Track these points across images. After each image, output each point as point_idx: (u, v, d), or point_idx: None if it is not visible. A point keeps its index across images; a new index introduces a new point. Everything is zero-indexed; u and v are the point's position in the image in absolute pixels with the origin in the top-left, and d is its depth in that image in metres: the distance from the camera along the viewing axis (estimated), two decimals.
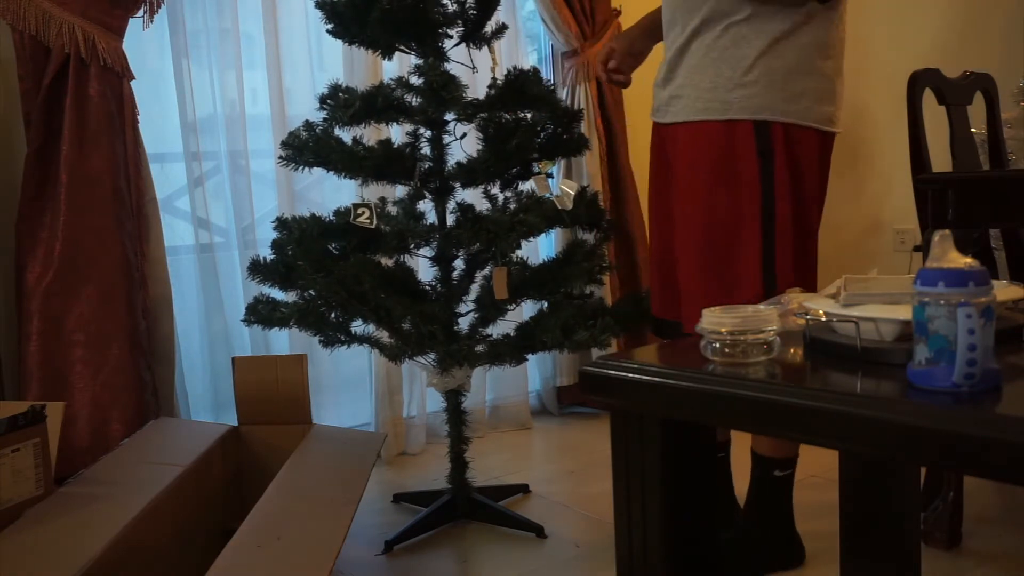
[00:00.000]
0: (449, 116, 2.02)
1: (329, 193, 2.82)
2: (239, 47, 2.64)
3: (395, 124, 2.16)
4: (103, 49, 2.27)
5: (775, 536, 1.84)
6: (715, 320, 0.97)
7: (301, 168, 2.02)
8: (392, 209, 2.08)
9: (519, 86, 1.95)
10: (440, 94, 1.91)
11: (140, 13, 2.39)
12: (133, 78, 2.37)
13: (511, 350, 1.98)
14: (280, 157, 2.02)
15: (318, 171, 2.78)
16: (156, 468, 1.77)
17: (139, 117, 2.39)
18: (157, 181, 2.47)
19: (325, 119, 2.00)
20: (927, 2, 3.04)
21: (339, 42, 2.69)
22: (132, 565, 1.47)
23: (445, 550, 2.05)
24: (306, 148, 1.97)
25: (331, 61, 2.82)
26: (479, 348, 2.00)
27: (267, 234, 2.72)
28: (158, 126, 2.57)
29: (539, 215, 1.90)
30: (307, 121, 2.00)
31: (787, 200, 1.63)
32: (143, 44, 2.52)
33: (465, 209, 2.01)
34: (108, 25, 2.30)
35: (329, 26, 2.04)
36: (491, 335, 2.04)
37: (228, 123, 2.65)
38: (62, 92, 2.25)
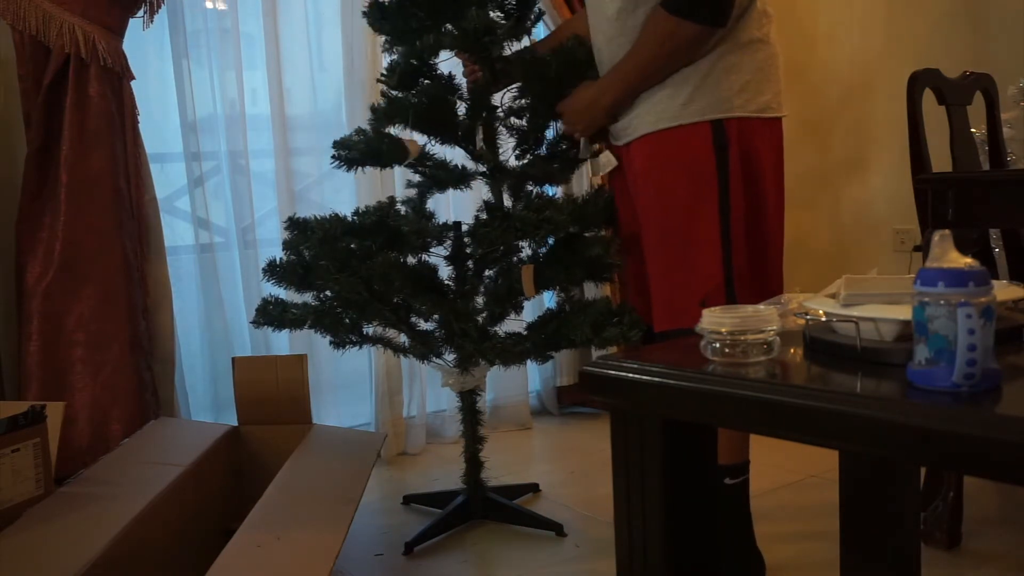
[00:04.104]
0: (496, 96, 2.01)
1: (329, 194, 2.82)
2: (239, 47, 2.64)
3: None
4: (103, 49, 2.27)
5: (730, 548, 1.78)
6: (715, 320, 0.97)
7: (353, 169, 2.01)
8: (401, 208, 2.08)
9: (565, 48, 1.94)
10: (484, 39, 1.89)
11: (140, 13, 2.39)
12: (133, 78, 2.37)
13: (536, 347, 1.97)
14: (332, 157, 2.00)
15: (318, 172, 2.80)
16: (156, 468, 1.77)
17: (139, 117, 2.39)
18: (157, 181, 2.47)
19: (383, 91, 1.99)
20: (927, 2, 3.04)
21: (339, 42, 2.71)
22: (132, 565, 1.47)
23: (447, 545, 2.05)
24: (356, 146, 1.96)
25: (331, 61, 2.82)
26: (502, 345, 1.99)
27: (267, 234, 2.74)
28: (158, 126, 2.58)
29: (565, 213, 1.90)
30: (359, 128, 2.01)
31: (740, 192, 1.67)
32: (143, 44, 2.52)
33: (493, 208, 2.01)
34: (108, 25, 2.30)
35: (375, 27, 2.04)
36: (520, 332, 2.03)
37: (228, 123, 2.65)
38: (62, 92, 2.25)
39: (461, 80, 2.04)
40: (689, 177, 1.68)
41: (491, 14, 2.00)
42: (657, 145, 1.72)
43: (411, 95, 1.94)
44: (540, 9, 2.11)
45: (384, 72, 1.99)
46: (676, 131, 1.69)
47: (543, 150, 2.08)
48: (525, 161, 2.07)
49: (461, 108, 2.02)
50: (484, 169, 2.03)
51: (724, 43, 1.67)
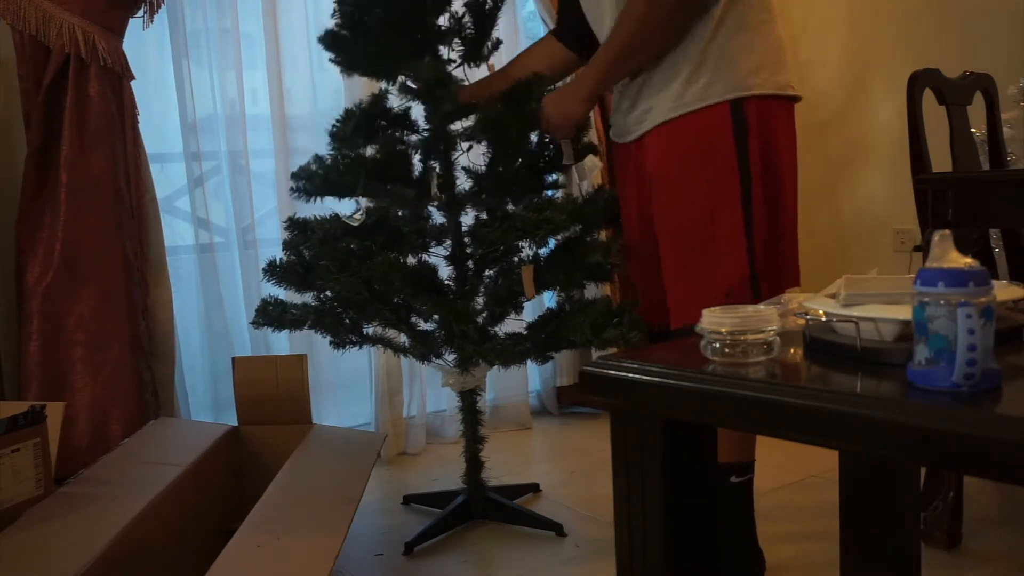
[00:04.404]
0: (454, 127, 2.00)
1: None
2: (239, 47, 2.64)
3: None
4: (103, 49, 2.27)
5: (732, 546, 1.77)
6: (715, 320, 0.97)
7: (312, 199, 2.00)
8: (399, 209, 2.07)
9: (521, 91, 1.94)
10: (436, 91, 1.90)
11: (140, 13, 2.39)
12: (133, 78, 2.37)
13: (537, 348, 1.97)
14: (291, 189, 2.00)
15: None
16: (156, 468, 1.77)
17: (139, 117, 2.39)
18: (157, 181, 2.47)
19: (333, 149, 1.98)
20: (927, 2, 3.04)
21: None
22: (132, 565, 1.47)
23: (447, 545, 2.05)
24: (315, 176, 1.96)
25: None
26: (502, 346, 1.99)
27: (267, 234, 2.74)
28: (158, 126, 2.58)
29: (565, 213, 1.89)
30: (316, 155, 1.99)
31: (759, 176, 1.65)
32: (143, 44, 2.52)
33: (491, 208, 2.01)
34: (108, 25, 2.30)
35: (331, 56, 2.03)
36: (520, 332, 2.03)
37: (228, 123, 2.65)
38: (62, 92, 2.25)
39: (416, 116, 2.02)
40: (709, 170, 1.66)
41: (453, 43, 1.99)
42: (673, 136, 1.70)
43: (365, 151, 1.93)
44: (498, 39, 2.09)
45: (338, 121, 1.97)
46: (693, 118, 1.67)
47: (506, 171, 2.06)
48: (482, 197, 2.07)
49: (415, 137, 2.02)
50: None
51: (733, 24, 1.65)
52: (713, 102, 1.65)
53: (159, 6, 2.41)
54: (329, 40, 1.99)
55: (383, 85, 2.03)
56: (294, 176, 2.00)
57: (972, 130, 2.23)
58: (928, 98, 2.09)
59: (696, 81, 1.67)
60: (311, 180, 1.96)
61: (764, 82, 1.66)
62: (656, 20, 1.64)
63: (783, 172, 1.70)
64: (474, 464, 2.17)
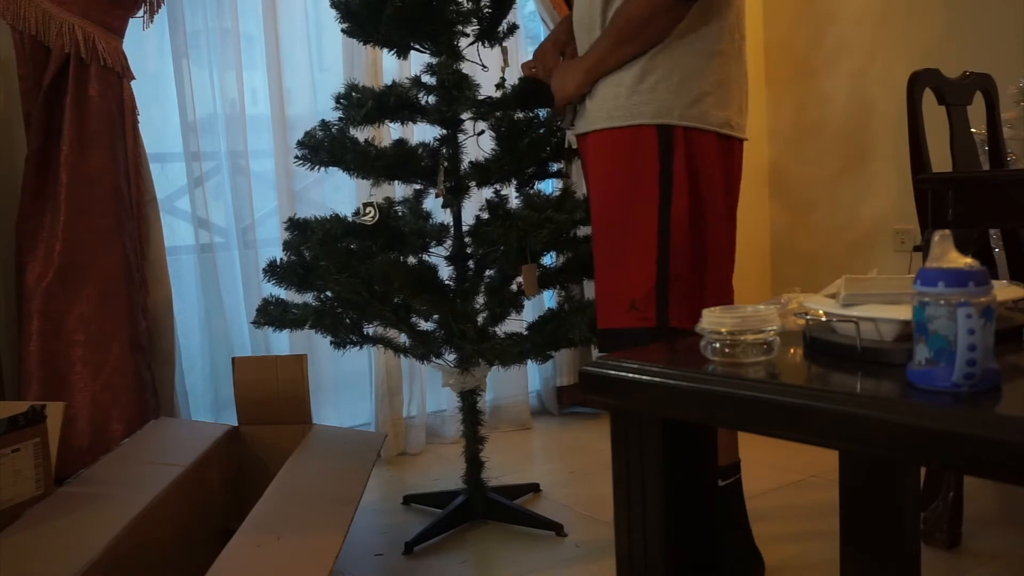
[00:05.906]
0: (464, 116, 2.02)
1: (329, 193, 2.82)
2: (239, 47, 2.64)
3: (411, 123, 2.16)
4: (103, 49, 2.27)
5: (728, 549, 1.76)
6: (715, 320, 0.97)
7: (317, 168, 2.01)
8: (399, 209, 2.08)
9: (533, 88, 1.95)
10: (452, 92, 1.91)
11: (140, 13, 2.39)
12: (133, 78, 2.37)
13: (535, 347, 1.97)
14: (296, 157, 2.01)
15: (317, 172, 2.80)
16: (156, 468, 1.77)
17: (139, 117, 2.39)
18: (157, 181, 2.47)
19: (340, 119, 1.99)
20: (927, 2, 3.04)
21: (339, 42, 2.71)
22: (132, 565, 1.47)
23: (447, 545, 2.05)
24: (321, 148, 1.96)
25: (331, 61, 2.82)
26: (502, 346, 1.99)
27: (267, 234, 2.74)
28: (158, 126, 2.58)
29: (566, 212, 1.90)
30: (323, 121, 2.00)
31: (685, 196, 1.63)
32: (143, 44, 2.52)
33: (495, 207, 2.01)
34: (108, 25, 2.30)
35: (344, 25, 2.03)
36: (520, 333, 2.03)
37: (228, 123, 2.65)
38: (62, 92, 2.25)
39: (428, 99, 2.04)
40: (632, 182, 1.65)
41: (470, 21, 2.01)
42: (603, 145, 1.69)
43: (376, 148, 1.96)
44: (514, 23, 2.10)
45: (346, 101, 1.97)
46: (623, 132, 1.66)
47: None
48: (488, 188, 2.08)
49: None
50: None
51: (690, 46, 1.63)
52: (642, 122, 1.63)
53: (159, 6, 2.41)
54: (343, 8, 1.99)
55: (384, 80, 2.04)
56: (299, 144, 2.01)
57: (972, 130, 2.23)
58: (928, 98, 2.09)
59: (632, 95, 1.64)
60: (316, 152, 1.96)
61: (700, 115, 1.63)
62: (652, 10, 1.61)
63: (715, 202, 1.67)
64: (474, 464, 2.17)
